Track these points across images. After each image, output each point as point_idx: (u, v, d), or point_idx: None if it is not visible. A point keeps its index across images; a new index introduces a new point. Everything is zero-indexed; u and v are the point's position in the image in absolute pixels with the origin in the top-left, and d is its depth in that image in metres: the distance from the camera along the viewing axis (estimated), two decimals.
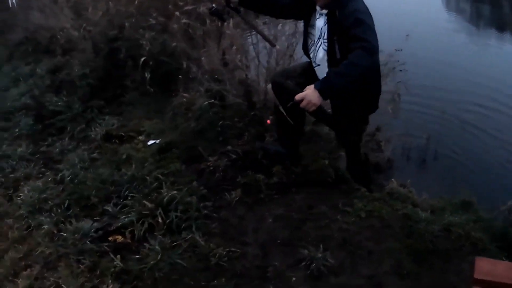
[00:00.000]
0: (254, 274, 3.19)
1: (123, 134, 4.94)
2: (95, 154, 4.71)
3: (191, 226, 3.51)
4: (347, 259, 3.26)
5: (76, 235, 3.53)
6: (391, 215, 3.66)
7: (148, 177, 4.04)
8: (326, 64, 3.71)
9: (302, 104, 3.36)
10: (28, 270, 3.40)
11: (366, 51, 3.23)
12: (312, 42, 3.82)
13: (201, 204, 3.72)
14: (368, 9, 3.46)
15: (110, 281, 3.15)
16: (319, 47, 3.74)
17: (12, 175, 4.73)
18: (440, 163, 6.21)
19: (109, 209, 3.80)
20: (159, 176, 4.04)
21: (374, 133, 5.67)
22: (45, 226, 3.75)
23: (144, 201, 3.68)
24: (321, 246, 3.29)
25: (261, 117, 4.74)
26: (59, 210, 3.91)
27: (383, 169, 5.69)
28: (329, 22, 3.59)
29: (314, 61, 3.84)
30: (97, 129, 5.12)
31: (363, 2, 3.53)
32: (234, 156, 4.28)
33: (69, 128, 5.37)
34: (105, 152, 4.71)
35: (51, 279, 3.25)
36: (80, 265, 3.31)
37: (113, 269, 3.24)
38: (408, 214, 3.67)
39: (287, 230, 3.54)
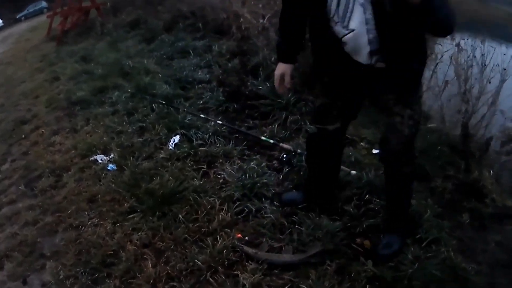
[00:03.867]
0: None
1: (348, 136, 4.57)
2: None
3: (439, 240, 3.30)
4: None
5: (318, 231, 3.29)
6: None
7: None
8: (364, 28, 2.62)
9: None
10: None
11: None
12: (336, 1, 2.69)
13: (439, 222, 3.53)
14: None
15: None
16: (347, 2, 2.62)
17: (203, 148, 4.51)
18: None
19: (351, 209, 3.53)
20: None
21: None
22: (270, 215, 3.50)
23: None
24: None
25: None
26: None
27: None
28: None
29: (345, 26, 2.67)
30: None
31: None
32: (456, 182, 4.12)
33: (277, 115, 5.10)
34: None
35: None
36: (328, 266, 3.10)
37: (364, 274, 3.02)
38: None
39: (505, 256, 3.43)
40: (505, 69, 4.71)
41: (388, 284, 2.97)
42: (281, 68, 3.13)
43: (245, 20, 7.88)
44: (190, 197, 3.76)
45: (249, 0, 8.82)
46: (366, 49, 2.68)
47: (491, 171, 4.49)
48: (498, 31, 10.44)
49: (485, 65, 4.65)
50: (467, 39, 5.08)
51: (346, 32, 2.66)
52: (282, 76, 3.13)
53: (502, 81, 4.74)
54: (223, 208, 3.63)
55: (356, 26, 2.62)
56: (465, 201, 3.90)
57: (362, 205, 3.61)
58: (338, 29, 2.70)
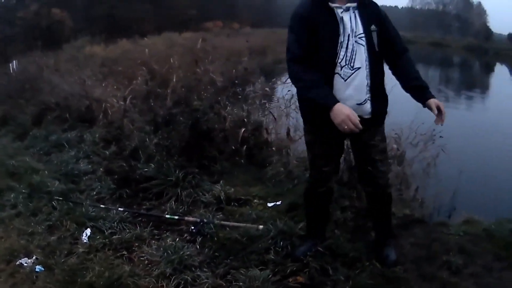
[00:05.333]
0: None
1: (242, 197, 5.30)
2: (220, 215, 4.97)
3: (359, 258, 4.01)
4: None
5: (255, 282, 3.72)
6: None
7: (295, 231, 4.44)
8: (364, 64, 3.40)
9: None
10: None
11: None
12: (341, 45, 3.38)
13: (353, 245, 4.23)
14: None
15: None
16: (353, 47, 3.37)
17: (116, 236, 4.74)
18: None
19: (273, 257, 4.09)
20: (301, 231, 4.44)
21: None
22: (207, 280, 3.87)
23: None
24: None
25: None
26: (212, 264, 4.14)
27: None
28: (361, 12, 3.40)
29: (351, 66, 3.38)
30: (207, 193, 5.42)
31: None
32: (353, 209, 4.86)
33: (170, 193, 5.58)
34: (229, 214, 5.01)
35: None
36: None
37: None
38: None
39: (423, 251, 4.26)
40: None
41: None
42: (344, 108, 3.25)
43: (109, 105, 8.24)
44: (129, 282, 3.97)
45: (99, 82, 9.21)
46: (365, 83, 3.41)
47: None
48: None
49: None
50: None
51: (353, 71, 3.38)
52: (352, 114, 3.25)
53: None
54: (163, 285, 3.92)
55: (360, 64, 3.38)
56: (368, 223, 4.51)
57: (281, 251, 4.19)
58: (345, 71, 3.38)
